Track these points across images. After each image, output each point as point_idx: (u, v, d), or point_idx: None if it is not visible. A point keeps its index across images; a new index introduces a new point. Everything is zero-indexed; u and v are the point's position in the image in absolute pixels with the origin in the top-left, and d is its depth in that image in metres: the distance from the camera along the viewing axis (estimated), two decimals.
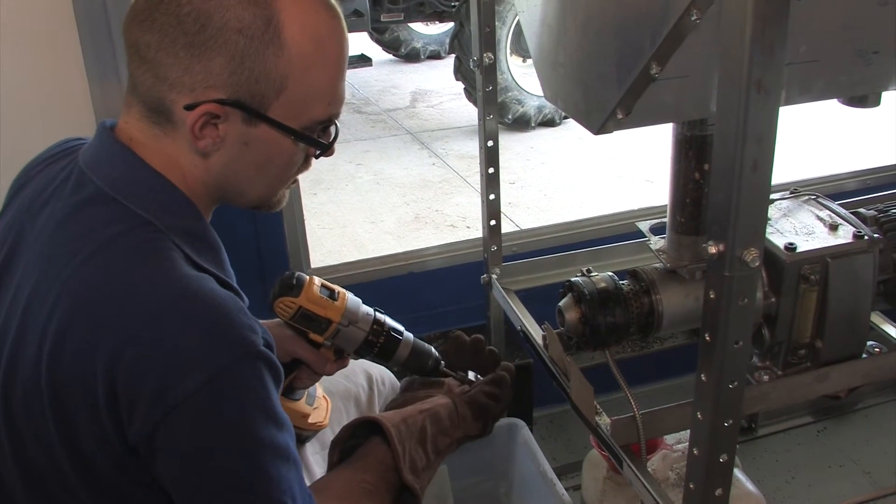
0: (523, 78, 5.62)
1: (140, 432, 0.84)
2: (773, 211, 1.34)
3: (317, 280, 1.18)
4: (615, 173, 5.07)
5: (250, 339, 0.86)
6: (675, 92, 1.02)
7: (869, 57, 1.08)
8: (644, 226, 1.41)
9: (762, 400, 1.26)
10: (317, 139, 0.98)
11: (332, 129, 1.01)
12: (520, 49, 5.65)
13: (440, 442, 1.17)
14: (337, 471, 1.11)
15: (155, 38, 0.88)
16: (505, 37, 5.49)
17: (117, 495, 0.90)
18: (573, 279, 1.32)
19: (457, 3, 6.17)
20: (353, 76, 7.15)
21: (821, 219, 1.30)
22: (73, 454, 0.88)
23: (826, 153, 4.98)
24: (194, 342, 0.84)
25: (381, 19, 6.74)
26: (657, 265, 1.33)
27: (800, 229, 1.28)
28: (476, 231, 1.89)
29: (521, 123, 5.79)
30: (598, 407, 1.26)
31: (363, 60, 7.46)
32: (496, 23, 1.57)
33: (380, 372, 1.48)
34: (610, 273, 1.33)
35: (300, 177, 1.07)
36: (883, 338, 1.44)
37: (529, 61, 5.00)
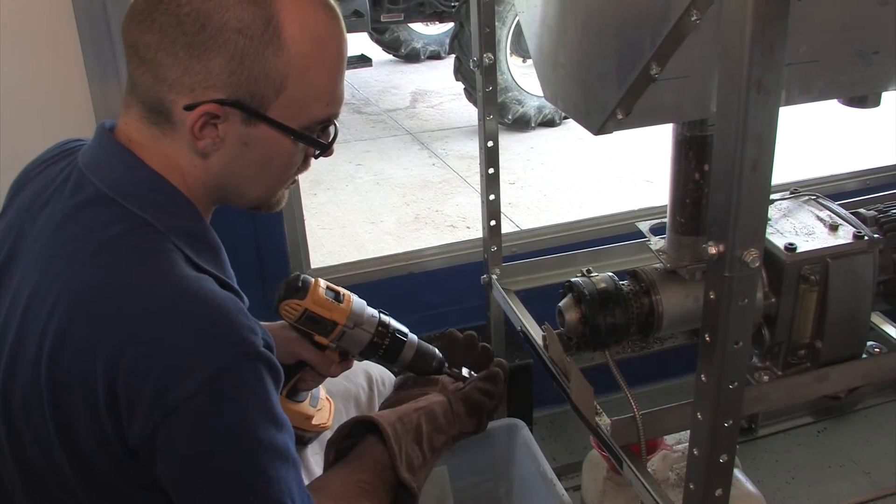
0: (523, 78, 5.62)
1: (140, 433, 0.84)
2: (773, 211, 1.34)
3: (322, 282, 1.18)
4: (615, 173, 5.07)
5: (250, 340, 0.86)
6: (674, 92, 1.02)
7: (869, 57, 1.08)
8: (644, 226, 1.41)
9: (762, 400, 1.26)
10: (316, 139, 0.98)
11: (332, 129, 1.01)
12: (520, 49, 5.65)
13: (436, 440, 1.17)
14: (333, 470, 1.11)
15: (154, 38, 0.88)
16: (505, 37, 5.49)
17: (117, 496, 0.90)
18: (573, 279, 1.32)
19: (457, 4, 6.17)
20: (352, 76, 7.16)
21: (821, 219, 1.30)
22: (72, 455, 0.88)
23: (826, 153, 4.98)
24: (194, 343, 0.84)
25: (381, 20, 6.73)
26: (657, 265, 1.33)
27: (800, 230, 1.28)
28: (476, 231, 1.90)
29: (521, 124, 5.79)
30: (598, 407, 1.26)
31: (363, 61, 7.45)
32: (496, 23, 1.57)
33: (380, 372, 1.48)
34: (610, 273, 1.33)
35: (300, 177, 1.07)
36: (883, 338, 1.44)
37: (529, 61, 5.00)
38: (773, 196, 1.34)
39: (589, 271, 1.33)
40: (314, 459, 1.29)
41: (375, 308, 1.22)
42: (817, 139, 5.20)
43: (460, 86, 5.86)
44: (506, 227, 1.78)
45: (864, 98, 1.19)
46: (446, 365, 1.27)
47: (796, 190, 1.41)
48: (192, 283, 0.88)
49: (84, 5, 1.59)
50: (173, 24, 0.87)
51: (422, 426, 1.15)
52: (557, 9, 1.22)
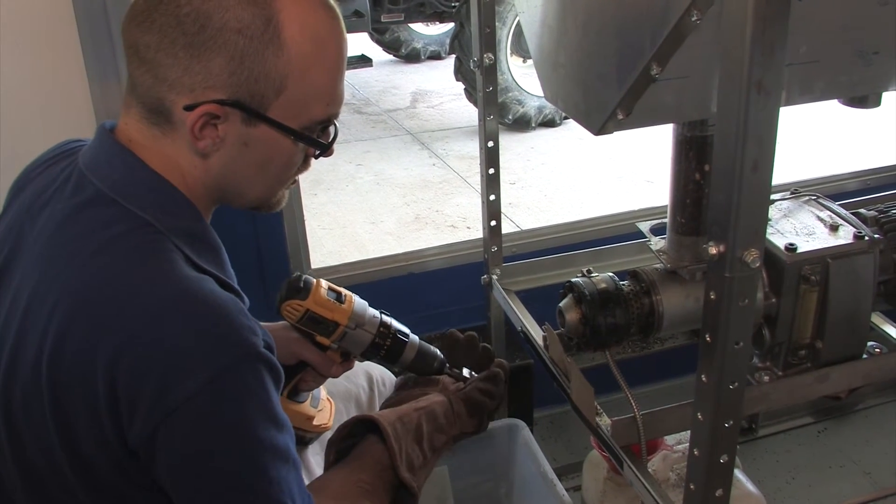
0: (524, 78, 5.62)
1: (140, 434, 0.84)
2: (773, 211, 1.34)
3: (324, 283, 1.18)
4: (615, 174, 5.07)
5: (251, 341, 0.86)
6: (675, 92, 1.02)
7: (869, 57, 1.08)
8: (644, 226, 1.41)
9: (762, 400, 1.26)
10: (316, 139, 0.98)
11: (332, 129, 1.01)
12: (520, 49, 5.65)
13: (436, 440, 1.17)
14: (334, 470, 1.11)
15: (154, 38, 0.88)
16: (505, 37, 5.49)
17: (117, 497, 0.90)
18: (573, 280, 1.32)
19: (457, 4, 6.17)
20: (353, 77, 7.16)
21: (821, 219, 1.30)
22: (72, 455, 0.88)
23: (826, 153, 4.98)
24: (195, 343, 0.84)
25: (382, 20, 6.73)
26: (657, 266, 1.33)
27: (800, 230, 1.28)
28: (476, 231, 1.89)
29: (522, 124, 5.79)
30: (599, 407, 1.26)
31: (363, 61, 7.44)
32: (496, 23, 1.57)
33: (380, 373, 1.48)
34: (610, 274, 1.32)
35: (300, 177, 1.07)
36: (883, 338, 1.44)
37: (530, 62, 5.00)
38: (773, 196, 1.34)
39: (589, 271, 1.33)
40: (314, 460, 1.29)
41: (376, 309, 1.22)
42: (818, 139, 5.19)
43: (461, 86, 5.86)
44: (506, 228, 1.78)
45: (864, 98, 1.19)
46: (447, 365, 1.27)
47: (797, 190, 1.41)
48: (192, 284, 0.88)
49: (84, 5, 1.59)
50: (173, 24, 0.87)
51: (422, 426, 1.15)
52: (558, 9, 1.22)
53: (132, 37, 0.91)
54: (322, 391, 1.31)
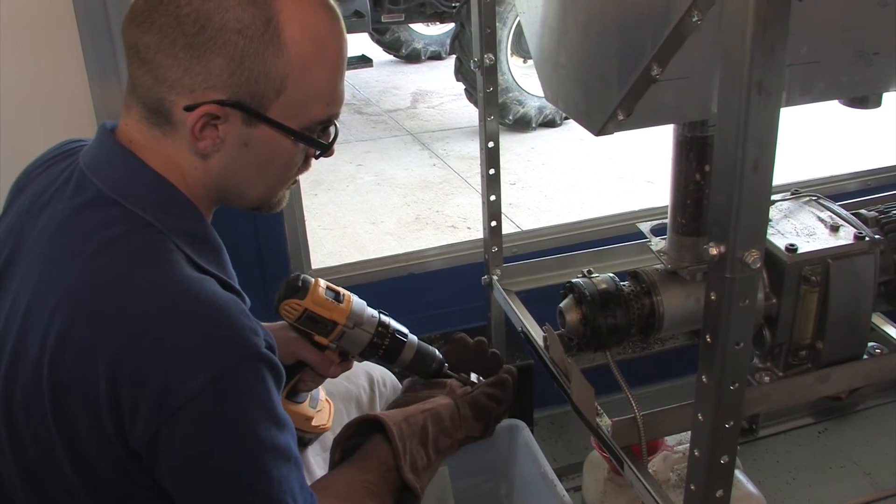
0: (524, 79, 5.62)
1: (142, 434, 0.84)
2: (773, 212, 1.34)
3: (322, 282, 1.18)
4: (616, 174, 5.07)
5: (252, 341, 0.86)
6: (676, 93, 1.02)
7: (869, 58, 1.08)
8: (645, 227, 1.41)
9: (763, 401, 1.26)
10: (316, 139, 0.98)
11: (332, 129, 1.01)
12: (520, 50, 5.65)
13: (441, 442, 1.17)
14: (339, 470, 1.11)
15: (154, 39, 0.88)
16: (506, 38, 5.49)
17: (117, 497, 0.90)
18: (574, 280, 1.32)
19: (457, 4, 6.17)
20: (353, 77, 7.16)
21: (822, 220, 1.30)
22: (73, 456, 0.88)
23: (827, 154, 4.98)
24: (196, 343, 0.84)
25: (382, 20, 6.74)
26: (658, 266, 1.33)
27: (801, 230, 1.28)
28: (477, 232, 1.89)
29: (522, 124, 5.79)
30: (599, 408, 1.26)
31: (364, 61, 7.44)
32: (497, 24, 1.57)
33: (381, 373, 1.48)
34: (611, 274, 1.32)
35: (300, 177, 1.07)
36: (884, 339, 1.44)
37: (530, 62, 5.01)
38: (773, 197, 1.34)
39: (590, 272, 1.33)
40: (314, 460, 1.29)
41: (375, 308, 1.22)
42: (818, 140, 5.19)
43: (461, 86, 5.86)
44: (506, 228, 1.78)
45: (864, 99, 1.19)
46: (446, 366, 1.27)
47: (797, 191, 1.41)
48: (193, 284, 0.88)
49: (84, 5, 1.59)
50: (173, 24, 0.87)
51: (428, 428, 1.15)
52: (558, 9, 1.22)
53: (132, 37, 0.91)
54: (321, 392, 1.31)
